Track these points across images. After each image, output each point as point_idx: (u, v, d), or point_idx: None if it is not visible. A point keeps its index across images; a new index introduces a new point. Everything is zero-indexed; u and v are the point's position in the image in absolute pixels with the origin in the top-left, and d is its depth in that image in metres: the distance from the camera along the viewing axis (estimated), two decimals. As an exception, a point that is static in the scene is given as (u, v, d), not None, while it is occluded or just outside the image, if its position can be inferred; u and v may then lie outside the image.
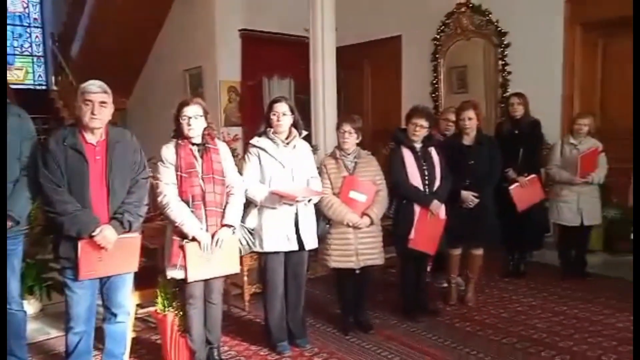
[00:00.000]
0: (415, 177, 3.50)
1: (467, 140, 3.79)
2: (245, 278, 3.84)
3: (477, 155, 3.74)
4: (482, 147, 3.75)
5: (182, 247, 2.68)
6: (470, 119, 3.73)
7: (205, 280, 2.84)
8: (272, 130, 3.06)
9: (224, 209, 2.80)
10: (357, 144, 3.41)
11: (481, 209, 3.70)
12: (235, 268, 2.86)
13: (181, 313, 2.94)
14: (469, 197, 3.66)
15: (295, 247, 3.05)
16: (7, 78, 7.25)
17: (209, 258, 2.71)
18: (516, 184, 4.27)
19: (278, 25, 7.15)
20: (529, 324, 3.55)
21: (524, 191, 4.25)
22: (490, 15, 5.84)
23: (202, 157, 2.78)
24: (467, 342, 3.28)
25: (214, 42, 7.05)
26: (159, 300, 3.00)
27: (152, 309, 3.14)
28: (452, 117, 4.14)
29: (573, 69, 5.34)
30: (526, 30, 5.51)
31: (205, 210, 2.72)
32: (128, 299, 2.78)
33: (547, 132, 4.66)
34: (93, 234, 2.43)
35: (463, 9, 6.05)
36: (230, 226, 2.79)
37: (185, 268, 2.69)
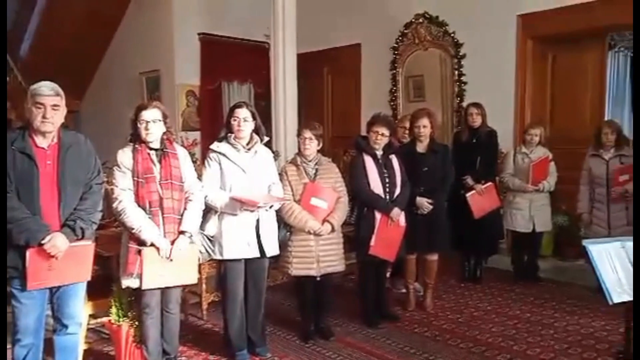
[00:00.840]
0: (376, 184, 3.54)
1: (421, 147, 3.86)
2: (204, 286, 3.76)
3: (430, 162, 3.81)
4: (435, 154, 3.84)
5: (139, 254, 2.60)
6: (424, 127, 3.81)
7: (162, 289, 2.76)
8: (233, 135, 3.02)
9: (182, 216, 2.73)
10: (318, 151, 3.42)
11: (435, 215, 3.77)
12: (192, 278, 2.79)
13: (137, 323, 2.85)
14: (424, 203, 3.73)
15: (257, 254, 3.01)
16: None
17: (166, 266, 2.63)
18: (473, 191, 4.37)
19: (238, 30, 7.09)
20: (484, 328, 3.64)
21: (480, 198, 4.37)
22: (447, 27, 5.98)
23: (160, 162, 2.71)
24: (426, 348, 3.33)
25: (172, 45, 6.91)
26: (113, 310, 2.90)
27: (105, 319, 3.03)
28: (408, 124, 4.22)
29: (525, 80, 5.53)
30: (481, 43, 5.68)
31: (163, 216, 2.66)
32: (80, 310, 2.67)
33: (501, 142, 4.81)
34: (42, 242, 2.33)
35: (421, 20, 6.17)
36: (186, 233, 2.72)
37: (140, 275, 2.60)
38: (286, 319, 3.77)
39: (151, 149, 2.71)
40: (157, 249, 2.62)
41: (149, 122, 2.67)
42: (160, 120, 2.71)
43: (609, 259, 2.37)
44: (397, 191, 3.60)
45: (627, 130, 6.70)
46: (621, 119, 6.69)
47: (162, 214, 2.65)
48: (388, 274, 4.17)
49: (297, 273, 3.34)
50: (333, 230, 3.33)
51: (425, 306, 4.00)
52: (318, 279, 3.34)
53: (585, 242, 2.43)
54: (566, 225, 5.03)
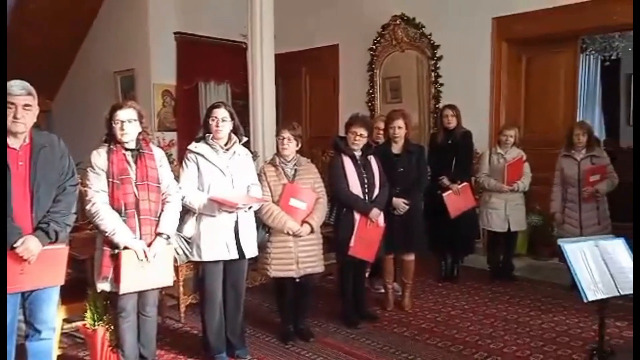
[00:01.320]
0: (355, 185, 3.55)
1: (396, 148, 3.89)
2: (181, 288, 3.71)
3: (406, 163, 3.84)
4: (410, 155, 3.87)
5: (114, 257, 2.55)
6: (399, 128, 3.84)
7: (139, 292, 2.70)
8: (210, 136, 2.98)
9: (159, 217, 2.69)
10: (297, 151, 3.41)
11: (411, 215, 3.80)
12: (168, 280, 2.75)
13: (112, 327, 2.79)
14: (400, 203, 3.76)
15: (235, 256, 2.98)
16: None
17: (143, 269, 2.59)
18: (449, 191, 4.42)
19: (215, 29, 7.02)
20: (462, 327, 3.68)
21: (456, 198, 4.42)
22: (423, 29, 6.03)
23: (136, 163, 2.66)
24: (405, 347, 3.35)
25: (147, 44, 6.80)
26: (88, 314, 2.84)
27: (80, 323, 2.97)
28: (382, 125, 4.26)
29: (500, 82, 5.61)
30: (457, 45, 5.74)
31: (139, 219, 2.61)
32: (53, 314, 2.59)
33: (476, 142, 4.88)
34: (14, 245, 2.26)
35: (398, 22, 6.20)
36: (164, 235, 2.67)
37: (117, 279, 2.55)
38: (265, 321, 3.75)
39: (127, 149, 2.66)
40: (135, 252, 2.56)
41: (124, 122, 2.62)
42: (135, 120, 2.66)
43: (583, 257, 2.42)
44: (376, 192, 3.62)
45: (598, 132, 6.91)
46: (592, 121, 6.89)
47: (139, 216, 2.60)
48: (367, 274, 4.19)
49: (276, 274, 3.33)
50: (312, 231, 3.33)
51: (403, 306, 4.03)
52: (297, 280, 3.33)
53: (560, 242, 2.48)
54: (540, 225, 5.13)
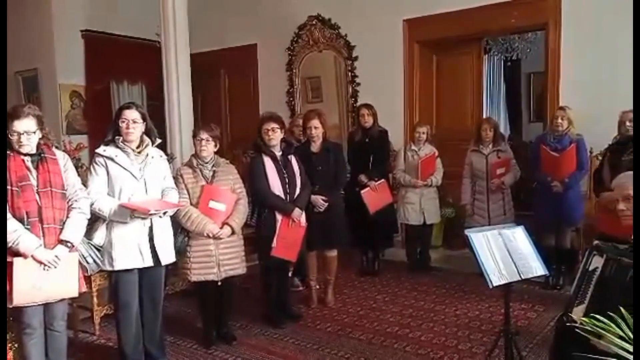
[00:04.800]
0: (276, 185, 3.56)
1: (315, 147, 3.95)
2: (95, 299, 3.53)
3: (324, 161, 3.91)
4: (328, 153, 3.94)
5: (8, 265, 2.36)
6: (315, 127, 3.90)
7: (45, 306, 2.53)
8: (121, 138, 2.86)
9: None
10: (215, 152, 3.36)
11: (331, 212, 3.87)
12: (73, 290, 2.58)
13: (16, 345, 2.59)
14: (319, 201, 3.81)
15: (150, 263, 2.88)
16: None
17: (42, 279, 2.42)
18: (367, 188, 4.55)
19: (128, 28, 6.74)
20: (383, 319, 3.80)
21: (374, 195, 4.55)
22: (339, 29, 6.15)
23: (37, 168, 2.48)
24: (328, 343, 3.40)
25: (51, 42, 6.40)
26: (-12, 333, 2.61)
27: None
28: (302, 122, 4.31)
29: (413, 82, 5.84)
30: (372, 45, 5.91)
31: (43, 227, 2.44)
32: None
33: (393, 140, 5.06)
34: None
35: (314, 22, 6.28)
36: (67, 242, 2.51)
37: (10, 291, 2.36)
38: (187, 327, 3.66)
39: (26, 154, 2.47)
40: (38, 260, 2.39)
41: (22, 134, 2.41)
42: (34, 132, 2.45)
43: (488, 245, 2.58)
44: (297, 191, 3.64)
45: (503, 128, 7.40)
46: (497, 117, 7.36)
47: (42, 224, 2.43)
48: (290, 274, 4.21)
49: (197, 278, 3.27)
50: (233, 233, 3.29)
51: (327, 302, 4.09)
52: (219, 283, 3.29)
53: (467, 231, 2.63)
54: (452, 217, 5.40)
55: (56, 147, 2.71)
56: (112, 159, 2.81)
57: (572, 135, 4.14)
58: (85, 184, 2.80)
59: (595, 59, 4.69)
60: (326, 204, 3.82)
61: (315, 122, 3.89)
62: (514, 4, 5.03)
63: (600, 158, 4.12)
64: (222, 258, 3.27)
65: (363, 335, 3.52)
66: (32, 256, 2.39)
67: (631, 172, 2.51)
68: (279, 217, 3.56)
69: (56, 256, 2.45)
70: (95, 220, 2.77)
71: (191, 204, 3.22)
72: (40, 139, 2.51)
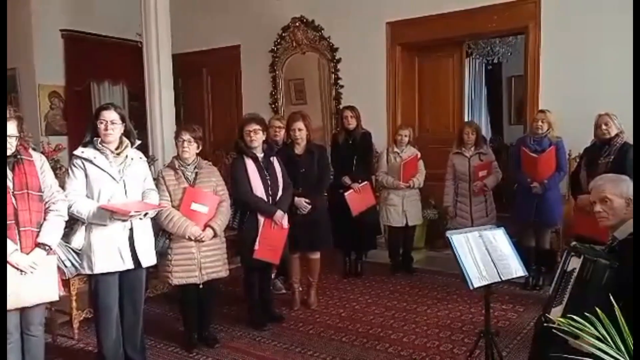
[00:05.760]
0: (258, 187, 3.55)
1: (299, 149, 3.95)
2: (74, 303, 3.47)
3: (308, 163, 3.91)
4: (312, 155, 3.94)
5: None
6: (299, 130, 3.90)
7: (21, 310, 2.48)
8: (99, 140, 2.81)
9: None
10: (198, 154, 3.34)
11: (315, 214, 3.87)
12: (53, 294, 2.53)
13: (-8, 351, 2.53)
14: (302, 203, 3.81)
15: (131, 266, 2.84)
16: None
17: (20, 283, 2.36)
18: (350, 190, 4.56)
19: (109, 28, 6.68)
20: (365, 320, 3.81)
21: (357, 197, 4.57)
22: (322, 31, 6.16)
23: (13, 170, 2.43)
24: (311, 345, 3.40)
25: (30, 42, 6.30)
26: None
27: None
28: (278, 123, 4.34)
29: (396, 84, 5.88)
30: (355, 48, 5.93)
31: (19, 230, 2.38)
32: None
33: (376, 142, 5.08)
34: None
35: (297, 24, 6.28)
36: (44, 246, 2.46)
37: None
38: (169, 330, 3.63)
39: (2, 156, 2.42)
40: (13, 266, 2.34)
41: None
42: (15, 137, 2.41)
43: (468, 247, 2.61)
44: (280, 193, 3.63)
45: (485, 131, 7.48)
46: (479, 120, 7.45)
47: (18, 227, 2.38)
48: (273, 275, 4.20)
49: (178, 282, 3.24)
50: (215, 235, 3.27)
51: (310, 304, 4.09)
52: (201, 286, 3.26)
53: (447, 233, 2.65)
54: (435, 219, 5.44)
55: (33, 149, 2.66)
56: (90, 161, 2.77)
57: (551, 138, 4.20)
58: (63, 186, 2.75)
59: (575, 63, 4.78)
60: (309, 206, 3.82)
61: (299, 125, 3.89)
62: (495, 8, 5.10)
63: (578, 161, 4.19)
64: (204, 261, 3.24)
65: (345, 337, 3.53)
66: (7, 261, 2.34)
67: (608, 175, 2.56)
68: (261, 219, 3.55)
69: (34, 262, 2.40)
70: (73, 223, 2.73)
71: (173, 206, 3.19)
72: (16, 139, 2.46)
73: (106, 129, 2.78)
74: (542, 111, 4.33)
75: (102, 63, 6.76)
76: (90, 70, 6.72)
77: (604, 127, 3.77)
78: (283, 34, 6.43)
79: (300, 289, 4.13)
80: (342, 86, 6.15)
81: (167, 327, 3.71)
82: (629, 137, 3.69)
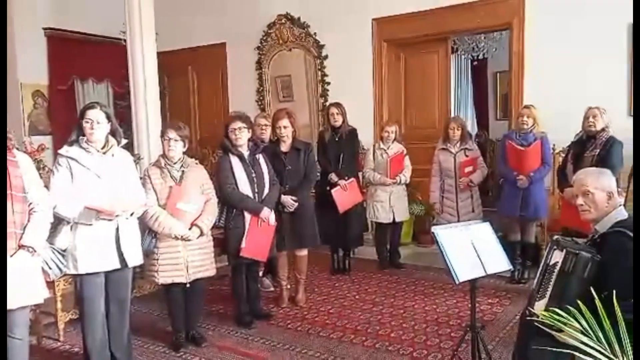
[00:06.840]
0: (244, 185, 3.53)
1: (285, 147, 3.94)
2: (59, 304, 3.44)
3: (294, 161, 3.91)
4: (298, 152, 3.93)
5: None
6: (285, 127, 3.89)
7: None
8: (85, 139, 2.79)
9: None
10: (184, 152, 3.32)
11: (301, 211, 3.87)
12: (39, 297, 2.51)
13: (-24, 354, 2.50)
14: (289, 201, 3.81)
15: (117, 265, 2.82)
16: None
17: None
18: (337, 187, 4.57)
19: (93, 26, 6.61)
20: (353, 316, 3.82)
21: (344, 194, 4.58)
22: (308, 28, 6.15)
23: (-5, 171, 2.40)
24: (298, 342, 3.40)
25: (12, 40, 6.20)
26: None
27: None
28: (264, 121, 4.32)
29: (382, 80, 5.90)
30: (341, 44, 5.93)
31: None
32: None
33: (363, 139, 5.09)
34: None
35: (283, 21, 6.27)
36: (28, 248, 2.43)
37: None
38: (156, 330, 3.61)
39: (-17, 156, 2.39)
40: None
41: None
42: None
43: (454, 242, 2.63)
44: (266, 191, 3.63)
45: (470, 126, 7.53)
46: (465, 116, 7.49)
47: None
48: (261, 273, 4.20)
49: (164, 281, 3.22)
50: (202, 234, 3.26)
51: (297, 301, 4.09)
52: (188, 285, 3.25)
53: (433, 228, 2.67)
54: (422, 214, 5.47)
55: (17, 149, 2.63)
56: (75, 160, 2.74)
57: (536, 133, 4.25)
58: (47, 186, 2.72)
59: (558, 58, 4.82)
60: (296, 203, 3.82)
61: (285, 122, 3.88)
62: (480, 4, 5.13)
63: (563, 155, 4.24)
64: (190, 260, 3.23)
65: (334, 333, 3.54)
66: None
67: (590, 169, 2.60)
68: (247, 217, 3.54)
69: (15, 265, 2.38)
70: (58, 222, 2.70)
71: (159, 205, 3.17)
72: None
73: (92, 128, 2.75)
74: (527, 106, 4.37)
75: (87, 61, 6.70)
76: (74, 68, 6.65)
77: (591, 119, 3.83)
78: (269, 31, 6.41)
79: (288, 286, 4.13)
80: (328, 83, 6.15)
81: (154, 326, 3.69)
82: (614, 132, 3.77)
